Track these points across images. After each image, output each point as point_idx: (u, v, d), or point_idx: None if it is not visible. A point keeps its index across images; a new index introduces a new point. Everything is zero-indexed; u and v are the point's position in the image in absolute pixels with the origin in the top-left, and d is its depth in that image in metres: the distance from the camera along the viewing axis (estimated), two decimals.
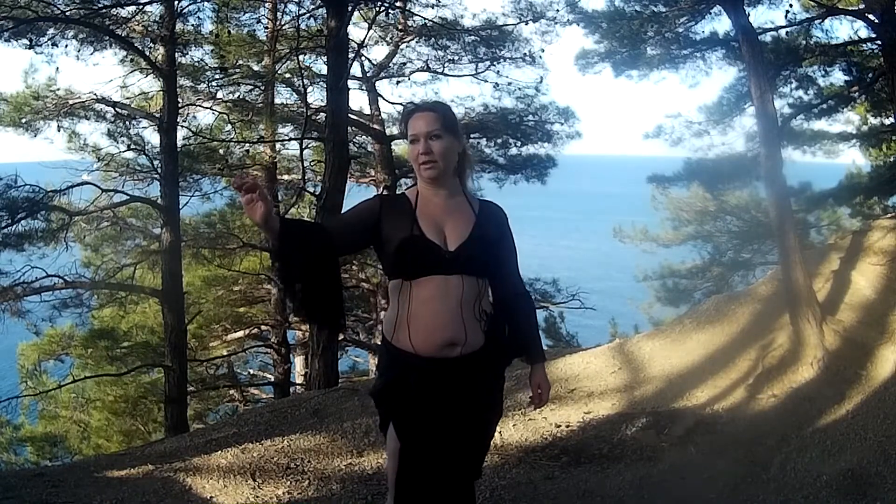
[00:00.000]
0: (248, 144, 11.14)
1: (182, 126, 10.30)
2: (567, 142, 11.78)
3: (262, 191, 2.07)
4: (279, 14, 10.44)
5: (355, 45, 9.19)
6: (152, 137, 10.28)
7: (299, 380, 12.15)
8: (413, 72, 11.52)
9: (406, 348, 2.22)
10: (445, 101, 12.12)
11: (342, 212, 2.52)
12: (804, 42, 7.64)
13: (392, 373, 2.28)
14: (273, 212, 2.11)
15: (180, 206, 9.84)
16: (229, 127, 11.47)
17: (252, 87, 11.41)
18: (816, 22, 7.35)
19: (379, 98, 11.93)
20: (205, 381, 12.22)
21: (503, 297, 2.35)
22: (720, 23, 6.98)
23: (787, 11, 6.88)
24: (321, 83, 10.63)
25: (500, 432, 4.60)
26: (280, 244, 2.16)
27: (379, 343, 3.92)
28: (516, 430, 4.71)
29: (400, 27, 10.88)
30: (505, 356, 2.39)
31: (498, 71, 11.20)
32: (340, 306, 2.36)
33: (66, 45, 8.99)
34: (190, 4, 9.69)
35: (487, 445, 2.43)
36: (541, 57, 10.87)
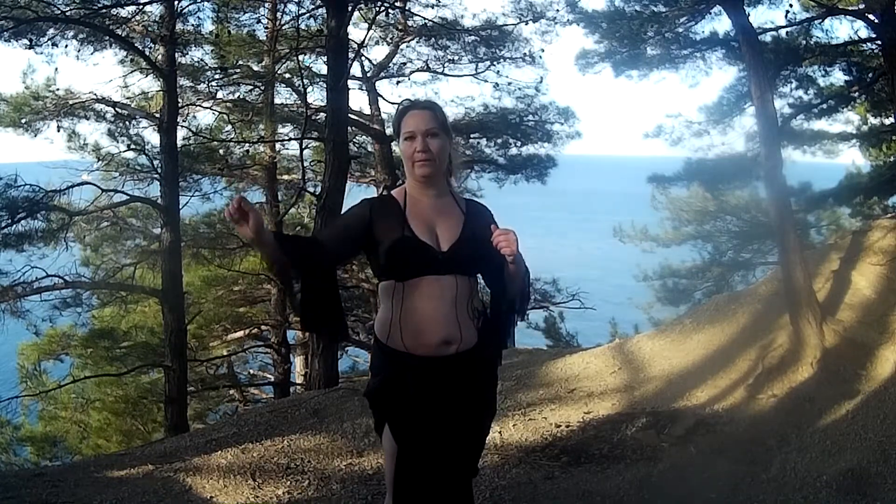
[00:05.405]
0: (248, 144, 11.13)
1: (182, 126, 10.30)
2: (567, 142, 11.83)
3: (247, 205, 2.04)
4: (279, 14, 10.44)
5: (355, 45, 9.19)
6: (152, 137, 10.28)
7: (299, 380, 12.13)
8: (413, 72, 11.54)
9: (400, 348, 2.22)
10: (445, 101, 12.19)
11: (335, 219, 2.55)
12: (804, 42, 7.62)
13: (387, 373, 2.27)
14: (265, 226, 2.11)
15: (180, 206, 9.83)
16: (229, 127, 11.46)
17: (252, 87, 11.42)
18: (816, 22, 7.34)
19: (379, 98, 11.93)
20: (205, 381, 12.20)
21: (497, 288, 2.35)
22: (720, 23, 6.97)
23: (787, 11, 6.88)
24: (321, 83, 10.62)
25: (499, 432, 4.61)
26: (282, 260, 2.18)
27: None
28: (516, 430, 4.71)
29: (400, 27, 10.88)
30: (498, 352, 2.40)
31: (498, 71, 11.23)
32: (341, 316, 2.37)
33: (66, 45, 8.99)
34: (190, 4, 9.68)
35: (483, 443, 2.44)
36: (541, 57, 10.90)
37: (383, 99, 11.97)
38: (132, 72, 10.07)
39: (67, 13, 8.44)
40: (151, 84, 10.24)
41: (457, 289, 2.21)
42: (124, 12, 9.12)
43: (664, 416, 4.66)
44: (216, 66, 10.48)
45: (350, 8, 7.94)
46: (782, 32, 7.37)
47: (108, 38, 9.18)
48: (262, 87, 11.09)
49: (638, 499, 3.72)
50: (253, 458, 4.35)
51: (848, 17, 7.28)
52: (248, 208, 2.03)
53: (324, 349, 7.78)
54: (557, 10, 10.05)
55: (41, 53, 8.81)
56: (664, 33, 6.89)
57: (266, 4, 10.86)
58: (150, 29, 9.48)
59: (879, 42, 6.94)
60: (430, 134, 2.24)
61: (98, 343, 10.82)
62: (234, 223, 2.06)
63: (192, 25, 10.20)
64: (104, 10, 8.79)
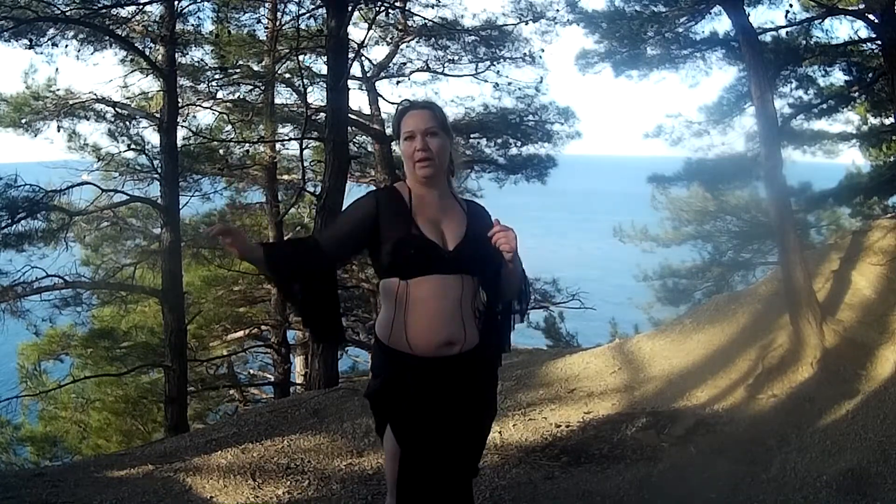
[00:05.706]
0: (248, 144, 11.14)
1: (182, 126, 10.30)
2: (567, 142, 11.83)
3: (229, 228, 2.17)
4: (279, 14, 10.44)
5: (355, 45, 9.18)
6: (152, 137, 10.28)
7: (299, 380, 12.13)
8: (413, 72, 11.53)
9: (403, 349, 2.21)
10: (445, 101, 12.19)
11: (340, 214, 2.58)
12: (804, 42, 7.62)
13: (388, 373, 2.26)
14: (249, 242, 2.20)
15: (180, 206, 9.83)
16: (229, 127, 11.47)
17: (252, 87, 11.42)
18: (816, 22, 7.34)
19: (379, 98, 11.92)
20: (205, 381, 12.20)
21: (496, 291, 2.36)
22: (720, 23, 6.98)
23: (787, 11, 6.89)
24: (321, 83, 10.63)
25: (499, 432, 4.61)
26: (272, 274, 2.26)
27: None
28: (516, 430, 4.71)
29: (400, 27, 10.88)
30: (499, 353, 2.40)
31: (498, 71, 11.22)
32: (338, 320, 2.41)
33: (66, 45, 8.99)
34: (190, 4, 9.68)
35: (484, 443, 2.44)
36: (541, 57, 10.90)
37: (383, 99, 11.98)
38: (132, 72, 10.08)
39: (67, 13, 8.43)
40: (151, 84, 10.26)
41: (462, 288, 2.21)
42: (124, 12, 9.12)
43: (664, 416, 4.66)
44: (216, 66, 10.49)
45: (350, 8, 7.94)
46: (782, 32, 7.37)
47: (108, 38, 9.18)
48: (262, 87, 11.09)
49: (638, 499, 3.72)
50: (253, 458, 4.35)
51: (848, 17, 7.28)
52: (227, 242, 2.14)
53: (324, 349, 7.78)
54: (557, 10, 10.07)
55: (41, 53, 8.82)
56: (664, 33, 6.89)
57: (266, 4, 10.86)
58: (150, 29, 9.48)
59: (879, 42, 6.93)
60: (429, 133, 2.24)
61: (98, 343, 10.82)
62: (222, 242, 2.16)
63: (192, 25, 10.22)
64: (104, 10, 8.78)
